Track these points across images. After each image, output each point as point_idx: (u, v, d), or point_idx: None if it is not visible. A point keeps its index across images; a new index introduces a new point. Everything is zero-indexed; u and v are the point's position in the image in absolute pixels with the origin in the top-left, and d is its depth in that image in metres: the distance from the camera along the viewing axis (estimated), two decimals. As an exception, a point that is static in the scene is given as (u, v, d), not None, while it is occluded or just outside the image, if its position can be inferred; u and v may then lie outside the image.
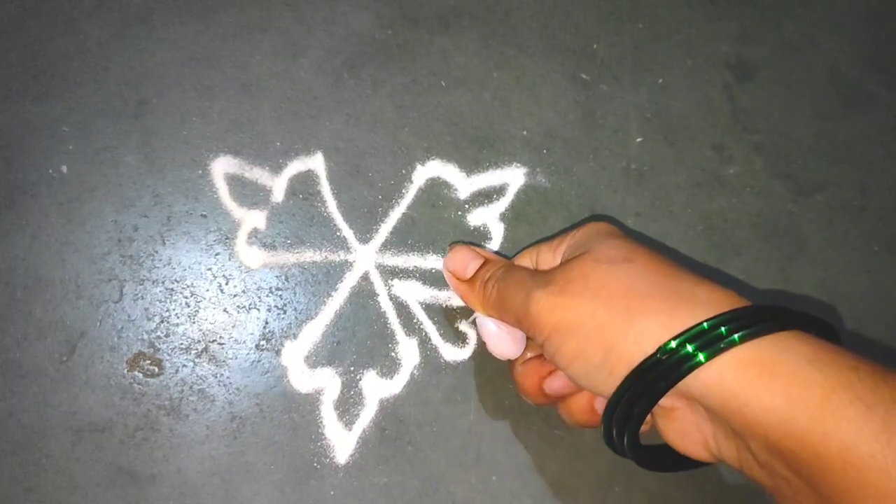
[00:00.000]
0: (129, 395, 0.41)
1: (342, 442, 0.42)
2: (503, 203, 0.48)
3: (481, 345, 0.44)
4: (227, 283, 0.44)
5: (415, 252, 0.46)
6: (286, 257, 0.45)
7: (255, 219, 0.45)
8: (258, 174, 0.46)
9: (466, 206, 0.48)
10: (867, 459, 0.22)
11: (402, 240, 0.46)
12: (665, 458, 0.32)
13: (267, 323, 0.43)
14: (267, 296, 0.44)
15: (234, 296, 0.44)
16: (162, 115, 0.47)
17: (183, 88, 0.48)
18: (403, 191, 0.47)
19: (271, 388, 0.42)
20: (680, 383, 0.26)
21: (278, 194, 0.46)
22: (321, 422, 0.42)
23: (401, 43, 0.51)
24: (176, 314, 0.43)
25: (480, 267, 0.38)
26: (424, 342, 0.45)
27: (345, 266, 0.45)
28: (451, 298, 0.46)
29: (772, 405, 0.24)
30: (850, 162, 0.54)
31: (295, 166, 0.47)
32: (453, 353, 0.44)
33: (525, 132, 0.50)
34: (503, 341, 0.38)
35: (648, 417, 0.30)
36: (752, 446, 0.26)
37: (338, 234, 0.46)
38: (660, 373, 0.26)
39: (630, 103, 0.52)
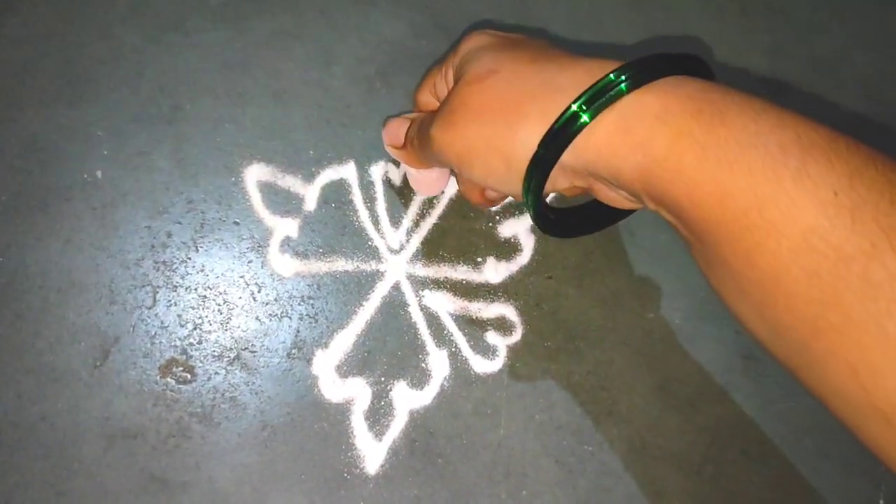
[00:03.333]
0: (161, 402, 0.41)
1: (372, 453, 0.42)
2: (534, 215, 0.48)
3: (509, 353, 0.44)
4: (259, 291, 0.44)
5: (446, 263, 0.46)
6: (318, 266, 0.45)
7: (287, 227, 0.45)
8: (291, 182, 0.46)
9: (497, 217, 0.48)
10: (706, 197, 0.24)
11: (433, 250, 0.46)
12: (592, 216, 0.37)
13: (298, 332, 0.44)
14: (299, 304, 0.44)
15: (267, 304, 0.44)
16: (195, 122, 0.47)
17: (216, 95, 0.48)
18: (435, 201, 0.47)
19: (302, 397, 0.42)
20: (572, 163, 0.29)
21: (311, 203, 0.46)
22: (352, 432, 0.42)
23: (433, 52, 0.51)
24: (209, 321, 0.43)
25: (407, 129, 0.41)
26: (455, 354, 0.44)
27: (376, 276, 0.45)
28: (481, 310, 0.45)
29: (635, 164, 0.26)
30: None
31: (327, 175, 0.47)
32: (483, 366, 0.44)
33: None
34: (426, 183, 0.44)
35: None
36: (643, 200, 0.28)
37: (369, 243, 0.46)
38: (549, 157, 0.29)
39: (661, 116, 0.52)
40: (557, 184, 0.32)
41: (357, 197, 0.47)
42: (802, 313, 0.22)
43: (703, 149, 0.24)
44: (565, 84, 0.29)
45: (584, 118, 0.27)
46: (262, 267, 0.44)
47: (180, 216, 0.45)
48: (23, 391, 0.40)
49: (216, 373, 0.42)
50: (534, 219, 0.34)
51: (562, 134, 0.28)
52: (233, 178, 0.46)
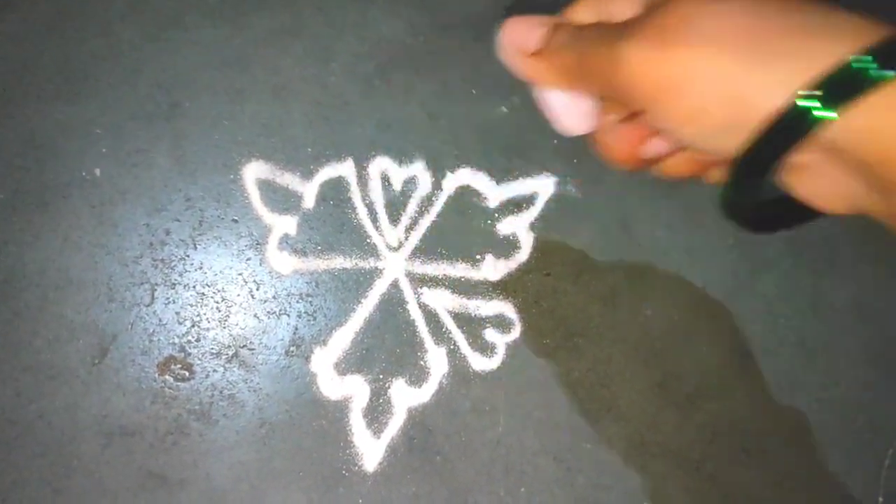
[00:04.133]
0: (159, 400, 0.41)
1: (371, 450, 0.42)
2: (533, 212, 0.48)
3: (508, 350, 0.44)
4: (257, 289, 0.44)
5: (444, 260, 0.46)
6: (316, 263, 0.45)
7: (286, 224, 0.45)
8: (289, 180, 0.46)
9: (496, 214, 0.48)
10: None
11: (431, 248, 0.46)
12: (784, 213, 0.29)
13: (297, 329, 0.43)
14: (297, 302, 0.44)
15: (265, 301, 0.44)
16: (194, 119, 0.47)
17: (214, 92, 0.48)
18: (434, 198, 0.47)
19: (301, 394, 0.42)
20: (824, 134, 0.24)
21: (309, 200, 0.46)
22: (350, 429, 0.42)
23: (432, 50, 0.51)
24: (207, 319, 0.43)
25: (548, 34, 0.33)
26: (453, 351, 0.44)
27: (374, 273, 0.45)
28: (480, 307, 0.45)
29: None
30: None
31: (326, 172, 0.47)
32: (482, 363, 0.44)
33: (556, 141, 0.50)
34: (574, 115, 0.34)
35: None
36: (885, 205, 0.23)
37: (368, 241, 0.46)
38: (796, 126, 0.25)
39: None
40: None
41: (355, 194, 0.46)
42: None
43: None
44: (842, 28, 0.25)
45: (879, 71, 0.24)
46: (260, 264, 0.44)
47: (179, 214, 0.45)
48: (21, 389, 0.40)
49: (214, 370, 0.42)
50: (736, 203, 0.29)
51: (841, 87, 0.24)
52: (231, 176, 0.46)
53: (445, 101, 0.49)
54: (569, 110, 0.31)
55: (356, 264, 0.45)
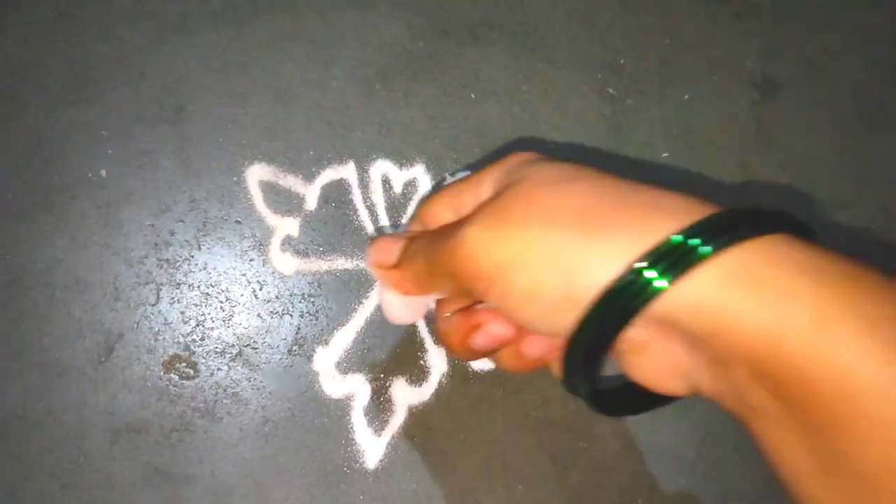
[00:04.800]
0: (165, 397, 0.42)
1: (372, 448, 0.43)
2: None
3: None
4: (261, 289, 0.45)
5: (444, 262, 0.47)
6: (318, 264, 0.46)
7: (288, 226, 0.46)
8: (292, 182, 0.47)
9: (495, 217, 0.48)
10: (866, 385, 0.19)
11: (431, 249, 0.47)
12: (630, 399, 0.28)
13: (299, 329, 0.44)
14: (300, 302, 0.45)
15: (268, 301, 0.45)
16: (198, 122, 0.47)
17: (217, 95, 0.48)
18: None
19: (303, 392, 0.43)
20: (656, 307, 0.22)
21: (311, 202, 0.47)
22: (351, 427, 0.43)
23: (431, 54, 0.51)
24: (211, 318, 0.44)
25: (404, 247, 0.32)
26: (452, 351, 0.45)
27: (375, 274, 0.46)
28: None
29: (759, 325, 0.20)
30: (874, 181, 0.54)
31: (328, 175, 0.48)
32: (480, 363, 0.45)
33: (552, 145, 0.51)
34: (406, 310, 0.35)
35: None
36: (735, 373, 0.22)
37: (369, 242, 0.47)
38: (630, 297, 0.22)
39: (656, 118, 0.53)
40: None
41: (357, 196, 0.47)
42: None
43: (872, 323, 0.19)
44: (670, 206, 0.23)
45: (705, 249, 0.21)
46: (263, 265, 0.45)
47: (183, 215, 0.45)
48: (29, 386, 0.41)
49: (219, 369, 0.43)
50: (573, 376, 0.25)
51: (670, 261, 0.21)
52: (235, 178, 0.46)
53: (444, 104, 0.50)
54: (401, 306, 0.34)
55: (357, 265, 0.46)
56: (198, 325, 0.44)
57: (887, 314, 0.19)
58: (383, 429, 0.43)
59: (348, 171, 0.48)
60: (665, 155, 0.52)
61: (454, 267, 0.26)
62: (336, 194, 0.47)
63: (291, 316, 0.45)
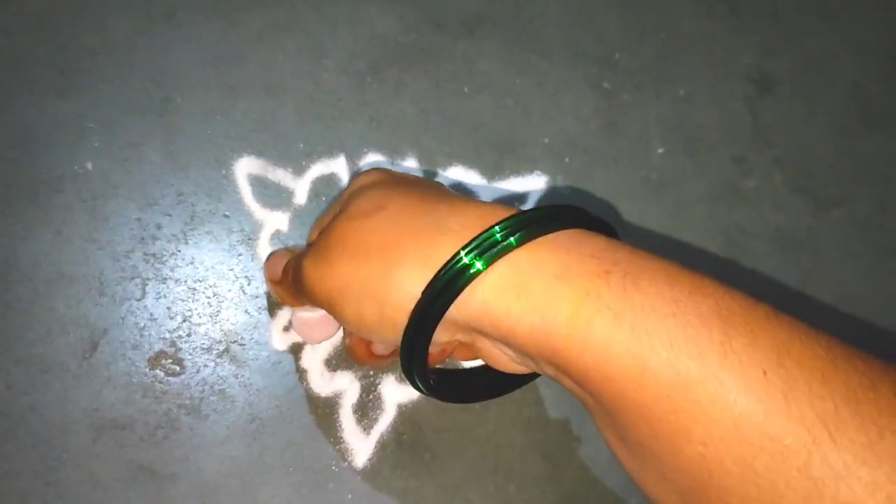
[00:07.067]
0: (150, 394, 0.41)
1: (360, 446, 0.42)
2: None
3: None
4: (248, 284, 0.44)
5: (435, 257, 0.46)
6: (308, 260, 0.45)
7: (277, 220, 0.45)
8: (281, 176, 0.46)
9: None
10: (621, 371, 0.21)
11: (423, 245, 0.47)
12: (491, 383, 0.35)
13: (288, 325, 0.44)
14: (288, 298, 0.44)
15: (256, 297, 0.44)
16: (186, 114, 0.47)
17: (207, 87, 0.48)
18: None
19: (291, 390, 0.42)
20: (455, 317, 0.25)
21: (301, 196, 0.46)
22: (340, 425, 0.42)
23: (424, 47, 0.51)
24: (198, 314, 0.43)
25: (287, 263, 0.37)
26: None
27: (366, 270, 0.45)
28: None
29: (531, 326, 0.23)
30: (869, 178, 0.54)
31: (318, 169, 0.47)
32: (472, 361, 0.45)
33: (547, 140, 0.50)
34: (315, 329, 0.39)
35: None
36: (544, 368, 0.26)
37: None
38: (432, 312, 0.26)
39: (651, 113, 0.52)
40: (435, 336, 0.27)
41: (347, 191, 0.47)
42: None
43: (616, 316, 0.21)
44: (455, 226, 0.26)
45: (478, 266, 0.24)
46: (251, 260, 0.44)
47: (170, 208, 0.45)
48: (12, 382, 0.40)
49: (205, 365, 0.42)
50: (410, 380, 0.30)
51: (451, 283, 0.25)
52: (223, 171, 0.46)
53: (437, 98, 0.50)
54: (310, 326, 0.38)
55: (347, 261, 0.45)
56: (184, 320, 0.43)
57: (630, 305, 0.21)
58: (372, 427, 0.42)
59: (339, 166, 0.47)
60: (660, 150, 0.51)
61: (306, 292, 0.31)
62: (326, 189, 0.47)
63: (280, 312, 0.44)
